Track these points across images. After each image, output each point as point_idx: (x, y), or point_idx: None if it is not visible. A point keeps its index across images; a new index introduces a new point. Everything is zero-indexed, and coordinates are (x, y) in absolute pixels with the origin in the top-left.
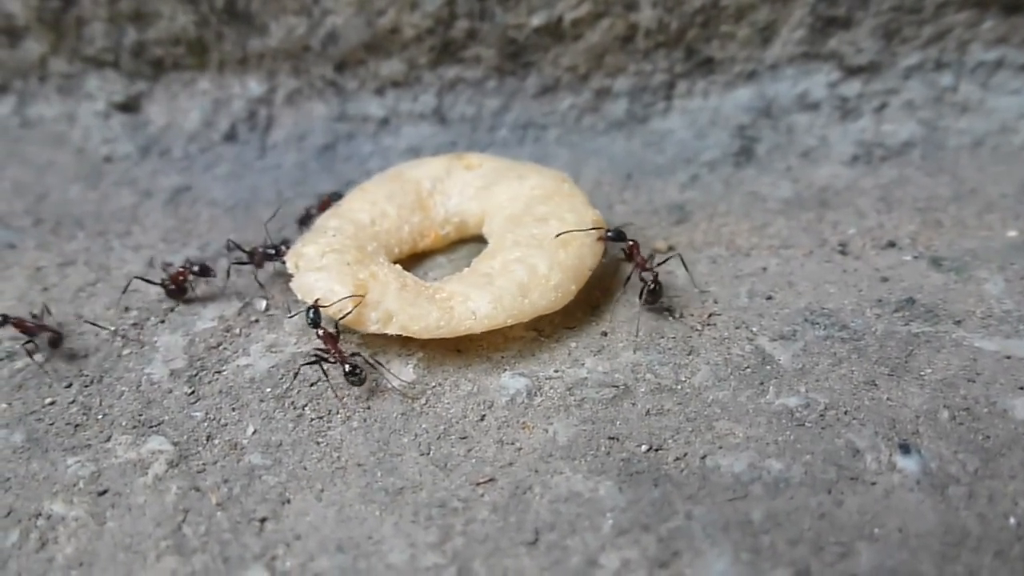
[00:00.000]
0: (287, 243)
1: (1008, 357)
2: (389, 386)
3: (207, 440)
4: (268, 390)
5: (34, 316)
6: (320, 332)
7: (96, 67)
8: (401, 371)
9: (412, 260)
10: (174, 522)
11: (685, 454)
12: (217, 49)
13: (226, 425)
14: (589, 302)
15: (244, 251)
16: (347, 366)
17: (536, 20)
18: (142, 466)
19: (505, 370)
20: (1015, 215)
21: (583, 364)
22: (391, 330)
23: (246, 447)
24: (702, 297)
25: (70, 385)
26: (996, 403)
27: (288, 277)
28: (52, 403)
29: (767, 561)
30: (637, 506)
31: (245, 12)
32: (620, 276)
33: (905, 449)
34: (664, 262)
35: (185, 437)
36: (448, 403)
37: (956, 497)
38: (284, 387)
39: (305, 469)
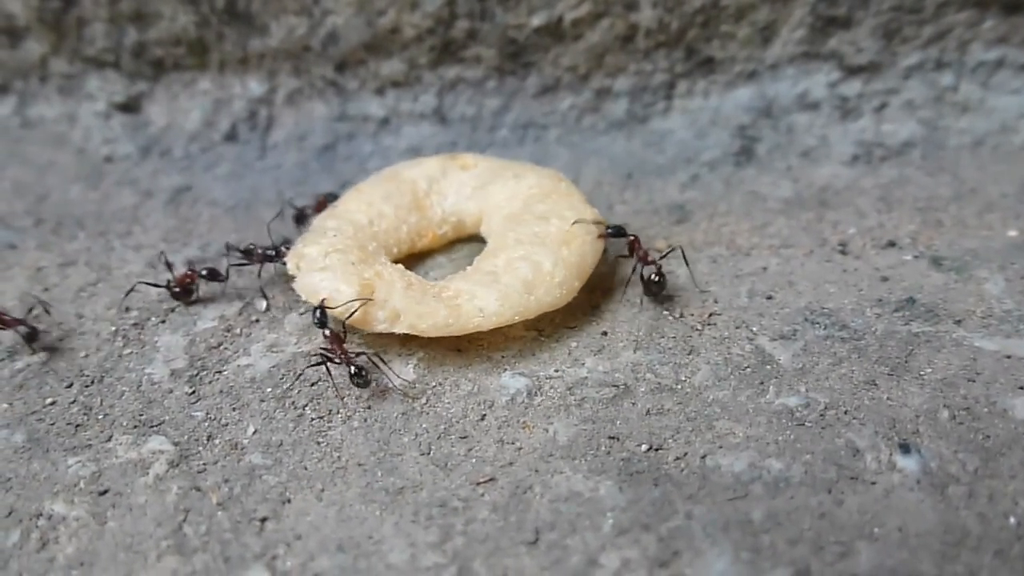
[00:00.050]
0: (287, 244)
1: (1008, 357)
2: (390, 386)
3: (208, 440)
4: (269, 390)
5: (30, 310)
6: (327, 332)
7: (97, 67)
8: (401, 371)
9: (410, 260)
10: (175, 522)
11: (685, 454)
12: (218, 49)
13: (227, 425)
14: (589, 302)
15: (242, 252)
16: (353, 367)
17: (536, 20)
18: (143, 466)
19: (505, 370)
20: (1015, 215)
21: (583, 364)
22: (398, 329)
23: (247, 447)
24: (702, 297)
25: (71, 385)
26: (996, 403)
27: (288, 277)
28: (53, 403)
29: (767, 560)
30: (637, 506)
31: (245, 12)
32: (620, 276)
33: (905, 449)
34: (665, 256)
35: (186, 437)
36: (448, 403)
37: (956, 497)
38: (285, 387)
39: (305, 469)
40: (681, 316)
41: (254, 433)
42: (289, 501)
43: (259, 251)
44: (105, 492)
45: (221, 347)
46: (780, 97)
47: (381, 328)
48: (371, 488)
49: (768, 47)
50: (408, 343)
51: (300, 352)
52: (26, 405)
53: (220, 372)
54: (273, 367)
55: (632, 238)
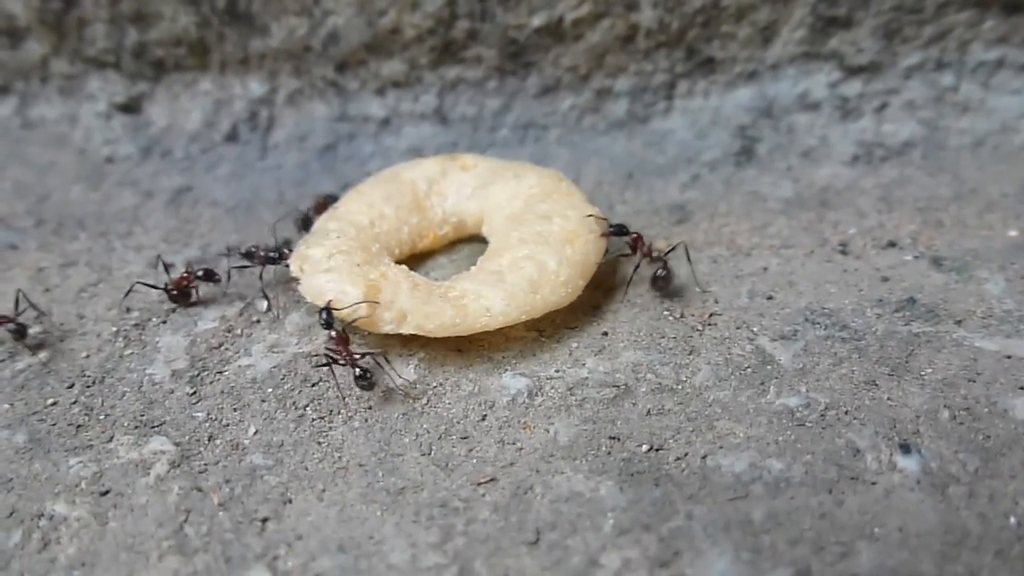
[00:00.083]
0: (289, 246)
1: (1008, 357)
2: (391, 386)
3: (209, 440)
4: (270, 390)
5: (18, 307)
6: (333, 333)
7: (97, 68)
8: (402, 371)
9: (411, 261)
10: (176, 522)
11: (686, 454)
12: (218, 50)
13: (228, 425)
14: (590, 302)
15: (244, 254)
16: (358, 369)
17: (537, 20)
18: (144, 466)
19: (506, 370)
20: (1016, 215)
21: (584, 364)
22: (405, 329)
23: (248, 447)
24: (703, 297)
25: (72, 385)
26: (996, 403)
27: (290, 279)
28: (54, 403)
29: (767, 561)
30: (638, 506)
31: (246, 13)
32: (620, 276)
33: (905, 449)
34: (670, 252)
35: (187, 437)
36: (449, 403)
37: (956, 497)
38: (286, 387)
39: (306, 469)
40: (682, 316)
41: (255, 433)
42: (290, 501)
43: (261, 253)
44: (106, 492)
45: (222, 347)
46: (780, 97)
47: (387, 329)
48: (372, 488)
49: (768, 47)
50: (409, 344)
51: (301, 353)
52: (27, 405)
53: (221, 372)
54: (274, 367)
55: (635, 236)
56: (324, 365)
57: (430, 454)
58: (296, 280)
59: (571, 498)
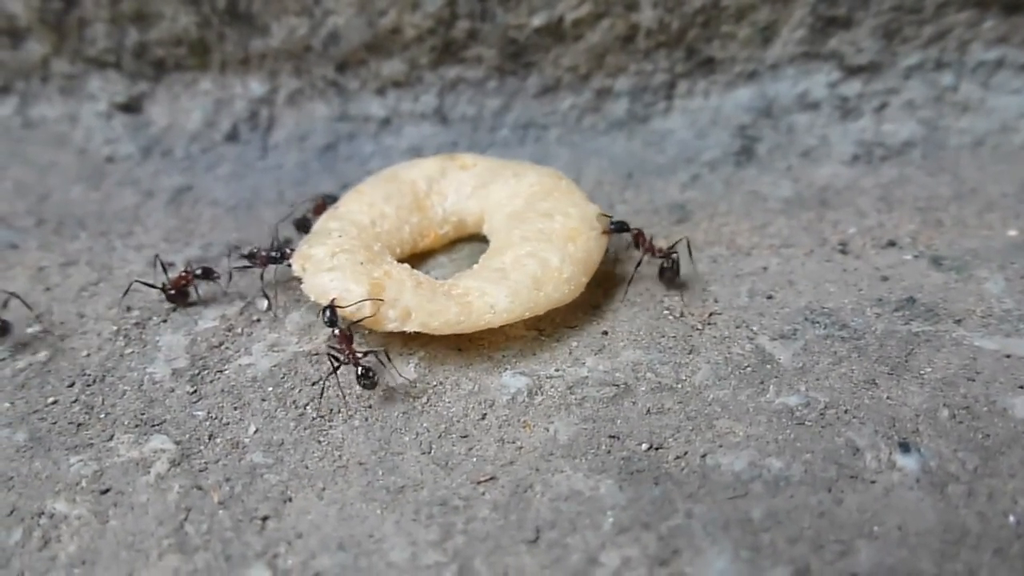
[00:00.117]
0: (290, 245)
1: (1008, 356)
2: (391, 384)
3: (209, 439)
4: (270, 389)
5: (4, 304)
6: (337, 332)
7: (98, 68)
8: (402, 370)
9: (412, 260)
10: (176, 520)
11: (685, 452)
12: (219, 49)
13: (228, 424)
14: (590, 301)
15: (245, 255)
16: (360, 368)
17: (537, 20)
18: (144, 465)
19: (506, 369)
20: (1015, 214)
21: (584, 363)
22: (410, 327)
23: (248, 446)
24: (703, 296)
25: (72, 384)
26: (996, 402)
27: (291, 278)
28: (54, 402)
29: (767, 559)
30: (637, 504)
31: (247, 13)
32: (620, 276)
33: (905, 447)
34: (674, 246)
35: (187, 436)
36: (449, 402)
37: (956, 495)
38: (286, 386)
39: (306, 468)
40: (681, 315)
41: (255, 432)
42: (290, 500)
43: (263, 254)
44: (107, 491)
45: (222, 346)
46: (780, 97)
47: (392, 327)
48: (372, 487)
49: (768, 47)
50: (409, 343)
51: (301, 352)
52: (28, 404)
53: (221, 371)
54: (274, 366)
55: (636, 231)
56: (335, 369)
57: (430, 453)
58: (298, 280)
59: (571, 496)
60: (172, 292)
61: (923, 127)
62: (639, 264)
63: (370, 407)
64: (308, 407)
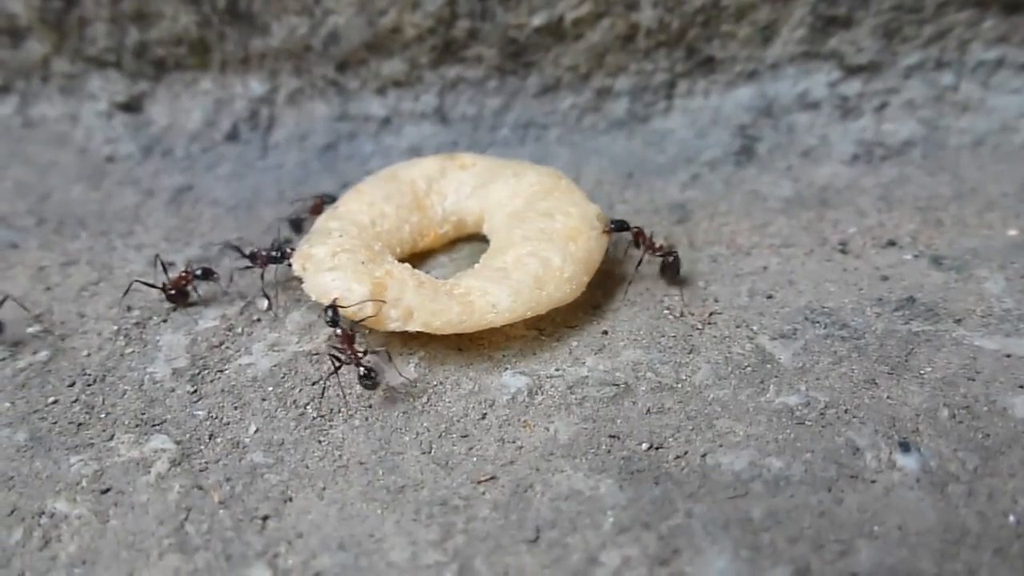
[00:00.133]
0: (290, 245)
1: (1008, 356)
2: (391, 384)
3: (209, 439)
4: (270, 389)
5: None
6: (339, 332)
7: (98, 67)
8: (402, 370)
9: (412, 260)
10: (176, 520)
11: (686, 452)
12: (219, 49)
13: (228, 424)
14: (590, 301)
15: (247, 256)
16: (362, 369)
17: (537, 20)
18: (145, 464)
19: (506, 369)
20: (1015, 214)
21: (584, 363)
22: (412, 327)
23: (248, 445)
24: (703, 296)
25: (73, 384)
26: (996, 401)
27: (291, 278)
28: (55, 402)
29: (767, 559)
30: (638, 504)
31: (247, 12)
32: (620, 276)
33: (905, 447)
34: (672, 247)
35: (187, 436)
36: (449, 402)
37: (956, 495)
38: (286, 386)
39: (307, 467)
40: (682, 315)
41: (256, 432)
42: (291, 499)
43: (263, 254)
44: (107, 490)
45: (223, 346)
46: (780, 97)
47: (394, 326)
48: (372, 486)
49: (768, 47)
50: (408, 342)
51: (302, 351)
52: (28, 404)
53: (222, 371)
54: (275, 366)
55: (636, 230)
56: (336, 369)
57: (430, 452)
58: (299, 279)
59: (571, 496)
60: (172, 292)
61: (923, 127)
62: (640, 262)
63: (370, 407)
64: (308, 407)
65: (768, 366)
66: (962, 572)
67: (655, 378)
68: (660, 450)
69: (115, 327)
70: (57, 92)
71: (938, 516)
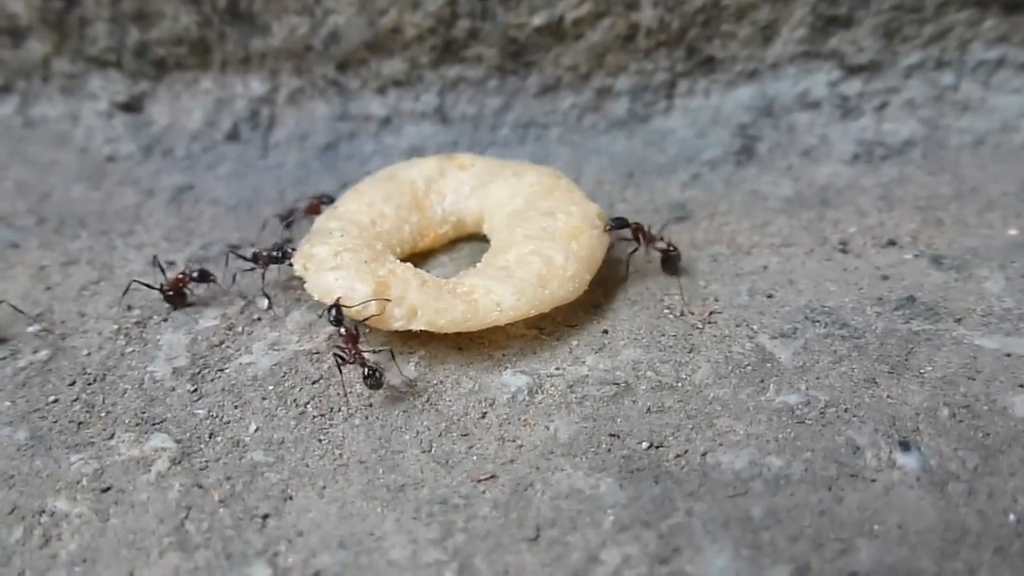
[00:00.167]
0: (291, 244)
1: (1008, 355)
2: (392, 383)
3: (210, 437)
4: (270, 388)
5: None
6: (343, 331)
7: (99, 67)
8: (403, 369)
9: (412, 260)
10: (177, 519)
11: (686, 451)
12: (219, 49)
13: (228, 423)
14: (590, 300)
15: (248, 257)
16: (366, 369)
17: (537, 19)
18: (145, 463)
19: (506, 368)
20: (1016, 213)
21: (584, 362)
22: (416, 326)
23: (248, 444)
24: (703, 295)
25: (73, 383)
26: (996, 401)
27: (292, 277)
28: (55, 401)
29: (767, 557)
30: (638, 503)
31: (247, 12)
32: (620, 275)
33: (905, 446)
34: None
35: (188, 434)
36: (449, 401)
37: (956, 494)
38: (287, 385)
39: (307, 466)
40: (682, 314)
41: (256, 431)
42: (291, 498)
43: (264, 254)
44: (107, 489)
45: (223, 345)
46: (781, 96)
47: (397, 326)
48: (372, 485)
49: (769, 46)
50: (409, 342)
51: (302, 350)
52: (29, 403)
53: (222, 370)
54: (275, 365)
55: (635, 225)
56: (340, 368)
57: (430, 451)
58: (300, 279)
59: (571, 495)
60: (170, 293)
61: (923, 126)
62: (633, 251)
63: (370, 406)
64: (309, 406)
65: (768, 365)
66: (962, 571)
67: (655, 377)
68: (660, 449)
69: (115, 326)
70: (58, 92)
71: (938, 515)
